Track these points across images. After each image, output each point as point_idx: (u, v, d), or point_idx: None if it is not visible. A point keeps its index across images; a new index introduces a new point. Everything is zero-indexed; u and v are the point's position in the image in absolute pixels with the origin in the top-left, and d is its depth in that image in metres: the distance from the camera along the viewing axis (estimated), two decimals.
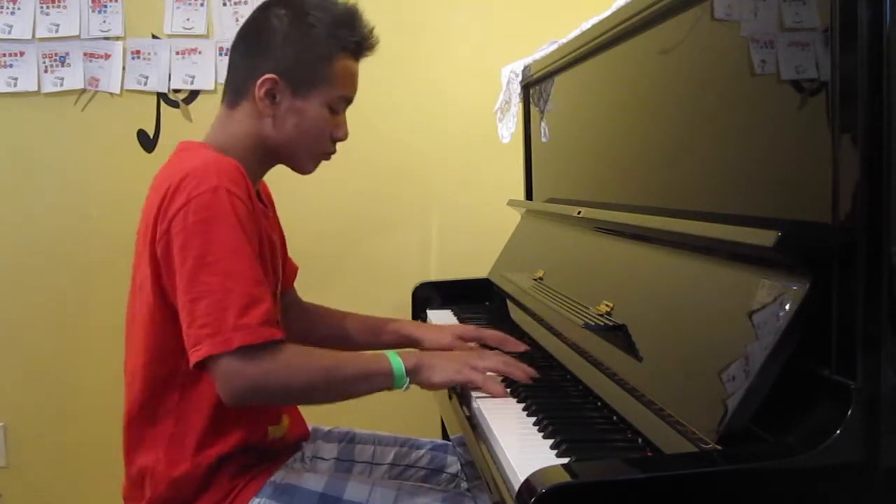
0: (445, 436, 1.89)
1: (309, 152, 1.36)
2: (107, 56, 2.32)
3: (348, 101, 1.37)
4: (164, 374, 1.24)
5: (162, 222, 1.18)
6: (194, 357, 1.14)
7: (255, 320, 1.14)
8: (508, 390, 1.26)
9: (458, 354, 1.35)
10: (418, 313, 1.99)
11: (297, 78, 1.30)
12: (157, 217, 1.19)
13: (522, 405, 1.19)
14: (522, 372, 1.28)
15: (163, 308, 1.21)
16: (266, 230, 1.30)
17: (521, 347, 1.46)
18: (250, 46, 1.33)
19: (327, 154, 1.38)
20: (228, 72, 1.37)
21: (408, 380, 1.24)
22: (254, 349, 1.14)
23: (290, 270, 1.55)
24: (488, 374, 1.28)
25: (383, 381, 1.24)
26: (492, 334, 1.50)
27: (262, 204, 1.36)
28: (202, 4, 2.32)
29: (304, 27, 1.29)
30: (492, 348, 1.45)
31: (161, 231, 1.18)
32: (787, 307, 0.84)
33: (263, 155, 1.34)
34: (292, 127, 1.31)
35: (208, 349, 1.13)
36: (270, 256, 1.30)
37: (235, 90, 1.33)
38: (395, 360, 1.24)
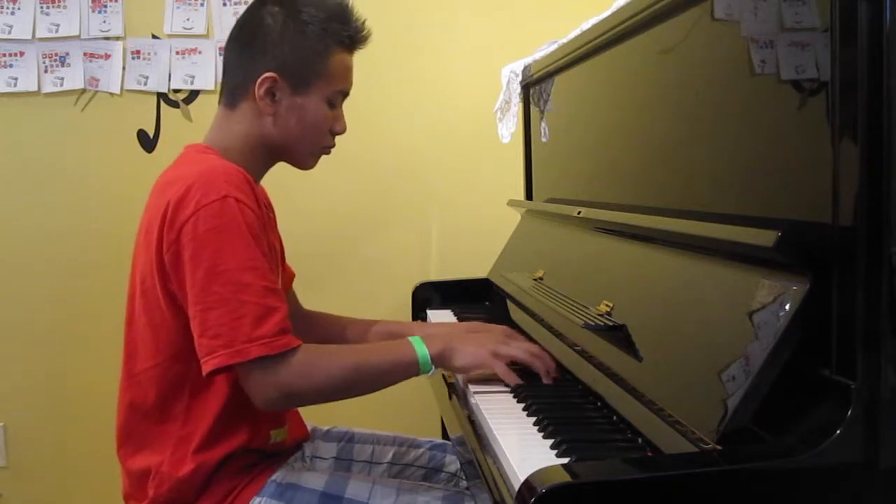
0: (445, 435, 1.89)
1: (310, 148, 1.36)
2: (107, 56, 2.32)
3: (345, 94, 1.38)
4: (176, 378, 1.24)
5: (170, 232, 1.18)
6: (207, 366, 1.14)
7: (271, 331, 1.14)
8: (508, 389, 1.26)
9: (486, 338, 1.33)
10: (418, 313, 1.99)
11: (295, 75, 1.30)
12: (164, 225, 1.19)
13: (522, 405, 1.19)
14: (544, 366, 1.28)
15: (174, 314, 1.21)
16: (269, 234, 1.30)
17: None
18: (246, 46, 1.33)
19: (327, 148, 1.39)
20: (224, 73, 1.37)
21: (433, 367, 1.25)
22: (275, 358, 1.14)
23: (286, 276, 1.55)
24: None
25: (409, 370, 1.25)
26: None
27: (265, 207, 1.37)
28: (202, 4, 2.32)
29: (298, 24, 1.30)
30: None
31: (169, 241, 1.18)
32: (787, 307, 0.84)
33: (265, 153, 1.35)
34: (294, 124, 1.32)
35: (222, 359, 1.13)
36: (274, 259, 1.30)
37: (233, 91, 1.33)
38: (421, 347, 1.25)
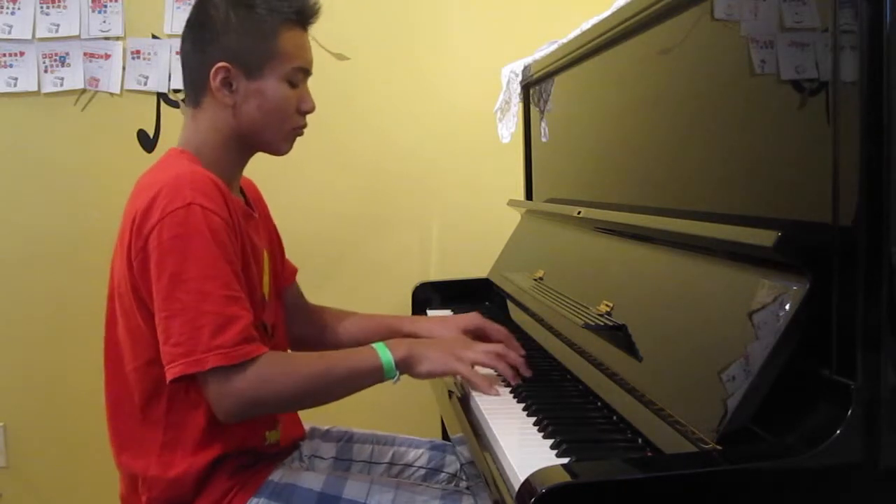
0: (445, 436, 1.89)
1: (279, 132, 1.33)
2: (107, 56, 2.32)
3: (305, 71, 1.34)
4: (154, 381, 1.24)
5: (138, 239, 1.18)
6: (169, 375, 1.15)
7: (231, 340, 1.14)
8: (508, 389, 1.26)
9: (449, 343, 1.34)
10: (418, 313, 1.99)
11: (247, 60, 1.28)
12: (132, 232, 1.19)
13: (522, 405, 1.19)
14: (508, 368, 1.28)
15: (146, 319, 1.21)
16: (248, 234, 1.29)
17: (519, 351, 1.40)
18: (196, 40, 1.32)
19: (298, 129, 1.36)
20: (183, 71, 1.36)
21: (398, 373, 1.25)
22: (233, 368, 1.14)
23: (288, 271, 1.55)
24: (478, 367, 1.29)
25: (374, 376, 1.25)
26: (496, 330, 1.46)
27: (246, 206, 1.36)
28: None
29: (241, 9, 1.29)
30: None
31: (137, 248, 1.19)
32: (787, 307, 0.84)
33: (237, 146, 1.33)
34: (255, 110, 1.30)
35: (182, 368, 1.14)
36: (255, 261, 1.30)
37: (193, 88, 1.32)
38: (385, 353, 1.25)
